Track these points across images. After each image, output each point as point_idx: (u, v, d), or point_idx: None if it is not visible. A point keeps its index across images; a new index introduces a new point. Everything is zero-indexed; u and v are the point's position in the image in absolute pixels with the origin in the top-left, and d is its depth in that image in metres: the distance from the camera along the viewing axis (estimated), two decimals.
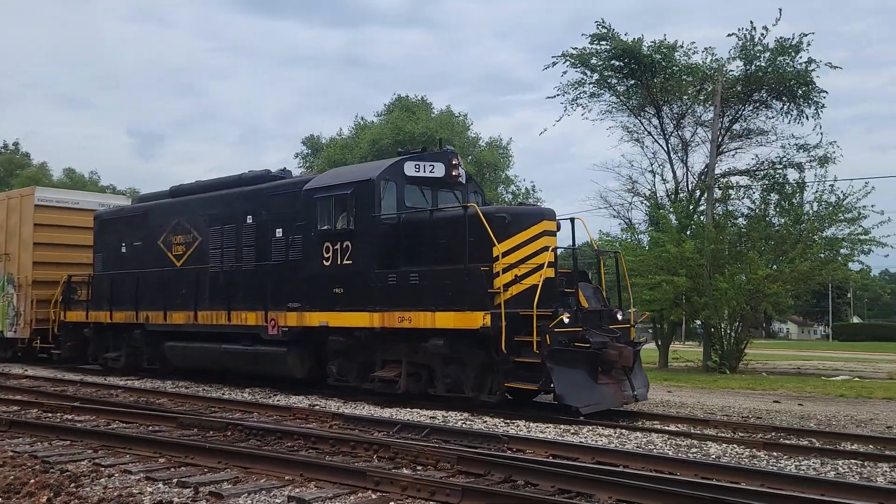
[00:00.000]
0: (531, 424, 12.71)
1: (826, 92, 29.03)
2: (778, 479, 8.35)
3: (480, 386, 14.49)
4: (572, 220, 15.62)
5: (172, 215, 20.36)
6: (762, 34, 28.56)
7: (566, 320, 13.50)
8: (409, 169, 15.93)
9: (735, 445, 10.88)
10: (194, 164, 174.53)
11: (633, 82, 31.05)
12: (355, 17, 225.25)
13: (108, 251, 22.35)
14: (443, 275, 14.38)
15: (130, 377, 20.58)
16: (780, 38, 28.72)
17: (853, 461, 9.80)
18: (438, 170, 16.14)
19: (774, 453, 10.39)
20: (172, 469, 8.96)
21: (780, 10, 28.53)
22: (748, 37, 28.90)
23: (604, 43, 30.20)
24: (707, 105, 30.57)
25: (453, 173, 16.36)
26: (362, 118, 66.54)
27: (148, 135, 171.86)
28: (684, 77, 30.15)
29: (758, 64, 28.97)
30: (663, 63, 30.07)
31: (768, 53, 28.82)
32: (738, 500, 7.00)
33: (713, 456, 10.25)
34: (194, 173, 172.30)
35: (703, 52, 30.45)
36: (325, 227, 16.18)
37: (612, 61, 30.57)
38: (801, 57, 28.53)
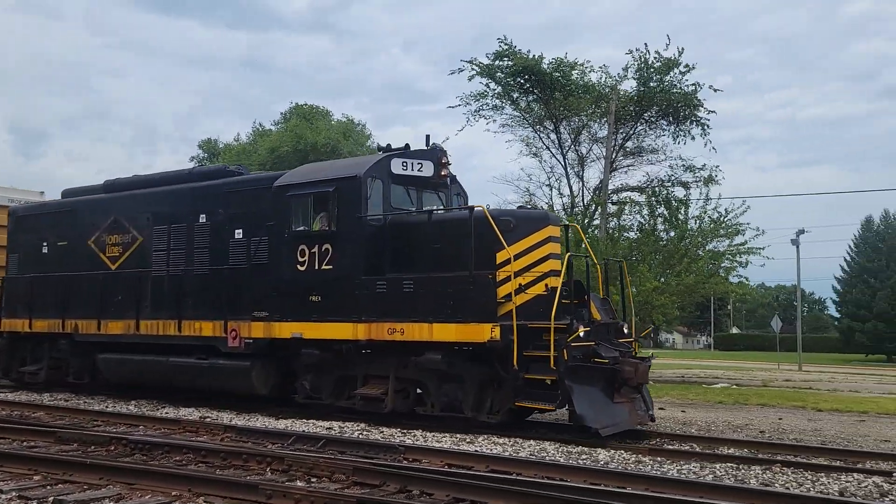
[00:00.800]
0: (428, 434, 12.41)
1: (714, 112, 29.82)
2: (661, 482, 8.74)
3: (479, 405, 13.02)
4: (566, 226, 14.37)
5: (107, 213, 18.02)
6: (655, 57, 29.15)
7: (582, 334, 12.17)
8: (397, 166, 14.33)
9: (623, 451, 11.15)
10: (83, 165, 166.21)
11: (532, 97, 31.21)
12: (258, 19, 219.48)
13: (26, 251, 19.62)
14: (443, 282, 12.85)
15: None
16: (667, 58, 29.25)
17: (729, 464, 10.32)
18: (427, 168, 14.59)
19: (658, 458, 10.79)
20: (49, 487, 8.36)
21: (668, 36, 30.96)
22: (642, 58, 29.41)
23: (506, 59, 30.13)
24: (602, 122, 30.92)
25: (442, 172, 14.86)
26: (260, 124, 64.28)
27: (31, 132, 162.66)
28: (582, 94, 30.30)
29: (650, 85, 29.59)
30: (562, 80, 30.19)
31: (655, 74, 29.46)
32: None
33: (602, 462, 10.47)
34: (84, 174, 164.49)
35: (598, 70, 30.95)
36: (301, 228, 14.39)
37: (515, 77, 30.50)
38: (686, 79, 29.36)
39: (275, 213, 14.79)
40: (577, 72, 30.66)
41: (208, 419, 13.77)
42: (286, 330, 14.44)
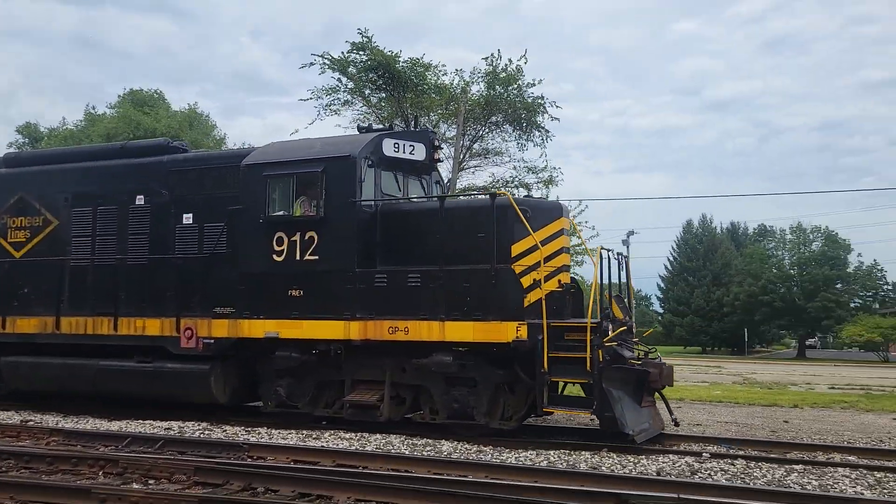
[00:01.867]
0: (273, 431, 11.95)
1: (558, 119, 30.19)
2: (500, 469, 8.93)
3: (492, 410, 11.60)
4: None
5: (10, 191, 15.09)
6: (506, 64, 29.04)
7: (611, 334, 11.00)
8: (388, 148, 12.61)
9: (465, 443, 11.02)
10: None
11: (385, 95, 30.32)
12: None
13: None
14: (458, 276, 11.34)
15: None
16: (512, 69, 29.21)
17: (562, 451, 10.54)
18: (419, 151, 12.94)
19: (499, 448, 10.79)
20: None
21: (526, 50, 30.80)
22: (494, 64, 29.28)
23: (363, 53, 29.10)
24: (451, 123, 30.59)
25: (436, 157, 13.30)
26: (94, 108, 59.08)
27: None
28: (434, 95, 29.83)
29: (497, 90, 29.51)
30: (415, 80, 29.58)
31: (501, 84, 29.43)
32: (466, 492, 7.45)
33: (445, 453, 10.45)
34: None
35: (452, 73, 30.52)
36: (279, 213, 12.43)
37: (368, 73, 29.54)
38: (531, 91, 29.47)
39: (244, 195, 12.71)
40: (431, 73, 30.13)
41: (31, 422, 12.58)
42: (257, 328, 12.42)
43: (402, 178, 13.11)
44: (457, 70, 31.84)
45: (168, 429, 12.02)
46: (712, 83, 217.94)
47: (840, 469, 9.48)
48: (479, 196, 12.26)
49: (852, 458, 10.50)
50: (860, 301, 71.08)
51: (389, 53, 28.80)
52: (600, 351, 10.77)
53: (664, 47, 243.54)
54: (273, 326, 12.30)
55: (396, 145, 12.68)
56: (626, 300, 12.34)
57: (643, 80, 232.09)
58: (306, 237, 12.16)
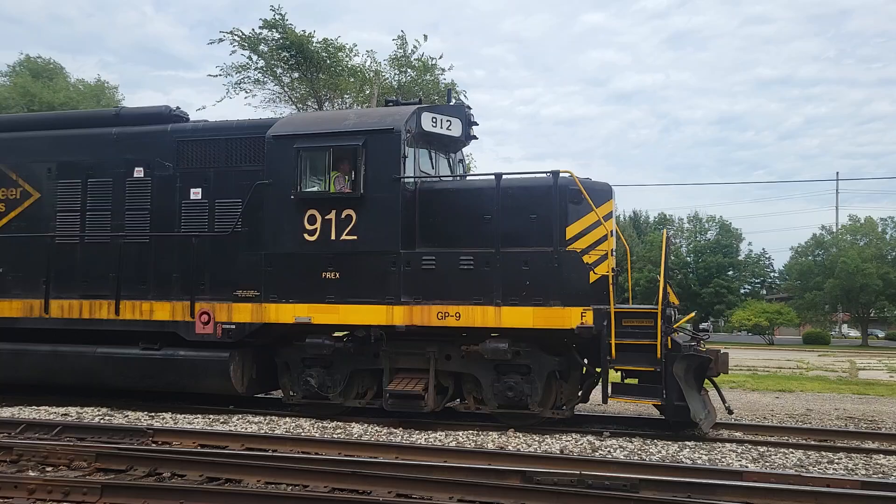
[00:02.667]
0: (178, 416, 11.61)
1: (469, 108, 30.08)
2: (410, 450, 8.94)
3: (545, 399, 10.93)
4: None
5: None
6: (414, 48, 28.93)
7: (682, 320, 10.51)
8: (426, 122, 11.70)
9: (375, 425, 10.96)
10: None
11: (297, 75, 29.64)
12: None
13: None
14: (516, 259, 10.59)
15: None
16: (425, 58, 29.34)
17: (469, 432, 10.59)
18: (455, 127, 12.07)
19: (409, 430, 10.73)
20: None
21: (426, 35, 30.26)
22: (402, 47, 29.18)
23: (275, 31, 28.25)
24: (365, 106, 30.02)
25: (471, 133, 12.44)
26: None
27: None
28: (348, 77, 29.49)
29: (410, 75, 29.54)
30: (328, 61, 29.05)
31: (413, 72, 29.48)
32: (375, 473, 7.40)
33: (356, 435, 10.37)
34: None
35: (365, 55, 30.98)
36: (312, 189, 11.36)
37: (281, 52, 28.68)
38: (445, 78, 29.70)
39: (270, 169, 11.56)
40: (343, 54, 29.61)
41: None
42: (286, 313, 11.33)
43: (433, 154, 12.24)
44: (368, 51, 31.28)
45: (65, 415, 11.47)
46: (619, 75, 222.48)
47: (728, 444, 9.99)
48: (534, 175, 11.32)
49: (738, 434, 11.03)
50: (749, 287, 73.72)
51: (302, 33, 27.88)
52: (669, 338, 10.26)
53: (574, 38, 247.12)
54: (304, 311, 11.24)
55: (434, 120, 11.79)
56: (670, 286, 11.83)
57: (553, 69, 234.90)
58: (343, 215, 11.15)
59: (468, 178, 11.83)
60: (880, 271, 56.87)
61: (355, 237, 11.09)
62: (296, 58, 28.30)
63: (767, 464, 8.84)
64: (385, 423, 10.94)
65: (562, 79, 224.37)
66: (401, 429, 10.74)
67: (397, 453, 8.77)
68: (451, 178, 12.06)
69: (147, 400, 12.72)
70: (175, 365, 11.77)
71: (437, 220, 11.24)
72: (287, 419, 11.17)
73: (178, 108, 13.13)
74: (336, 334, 11.65)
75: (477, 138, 12.51)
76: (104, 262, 12.45)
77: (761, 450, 9.61)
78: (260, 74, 29.26)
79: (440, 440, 10.05)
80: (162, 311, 11.98)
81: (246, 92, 29.36)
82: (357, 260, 11.07)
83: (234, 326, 11.59)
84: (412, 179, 11.32)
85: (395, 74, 29.51)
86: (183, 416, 11.53)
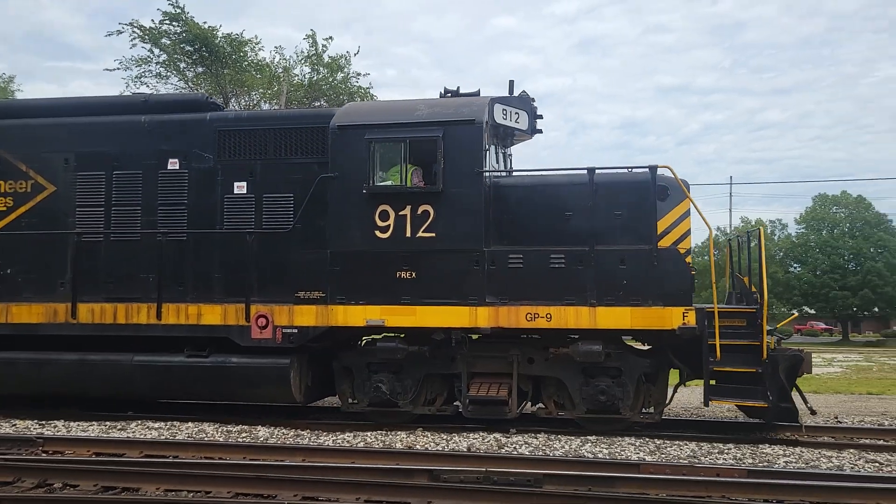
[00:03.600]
0: (71, 424, 10.78)
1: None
2: (318, 452, 8.66)
3: (634, 403, 10.27)
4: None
5: None
6: (324, 46, 28.11)
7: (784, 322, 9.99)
8: (498, 114, 10.89)
9: (282, 428, 10.52)
10: None
11: (202, 70, 28.07)
12: None
13: None
14: (612, 257, 9.87)
15: None
16: (339, 56, 28.58)
17: (379, 432, 10.21)
18: (523, 120, 11.29)
19: (316, 431, 10.38)
20: None
21: (332, 37, 30.98)
22: (312, 45, 28.25)
23: (175, 24, 26.72)
24: (274, 104, 29.08)
25: (537, 126, 11.65)
26: None
27: None
28: (255, 73, 28.27)
29: (322, 73, 28.67)
30: (234, 57, 27.76)
31: (325, 69, 28.63)
32: (280, 476, 7.14)
33: (262, 438, 9.93)
34: None
35: (273, 51, 29.50)
36: (386, 183, 10.37)
37: (184, 45, 27.21)
38: (356, 80, 28.93)
39: (336, 162, 10.51)
40: (249, 48, 28.31)
41: None
42: (356, 316, 10.32)
43: (497, 148, 11.41)
44: (276, 47, 30.12)
45: None
46: (530, 77, 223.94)
47: (627, 438, 9.89)
48: (626, 169, 10.61)
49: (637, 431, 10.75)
50: None
51: (205, 26, 26.44)
52: (773, 338, 9.74)
53: (485, 40, 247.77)
54: (377, 313, 10.26)
55: (505, 112, 10.99)
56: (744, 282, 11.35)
57: (466, 71, 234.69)
58: (419, 211, 10.21)
59: (548, 173, 10.96)
60: (769, 270, 58.70)
61: (433, 234, 10.17)
62: (199, 52, 26.77)
63: (663, 456, 8.87)
64: (292, 426, 10.52)
65: (474, 80, 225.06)
66: (308, 430, 10.32)
67: (304, 455, 8.47)
68: (526, 173, 11.22)
69: (39, 407, 11.57)
70: (227, 373, 10.59)
71: (516, 216, 10.41)
72: (189, 424, 10.54)
73: (211, 96, 11.89)
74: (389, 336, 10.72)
75: (541, 131, 11.72)
76: (135, 262, 11.17)
77: (657, 442, 9.52)
78: (162, 69, 27.45)
79: (348, 441, 9.68)
80: (212, 314, 10.77)
81: (147, 87, 27.36)
82: (436, 258, 10.16)
83: (296, 330, 10.50)
84: (495, 173, 10.48)
85: (306, 73, 28.51)
86: (77, 423, 10.68)
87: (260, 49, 28.31)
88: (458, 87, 11.36)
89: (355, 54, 27.98)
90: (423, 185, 10.35)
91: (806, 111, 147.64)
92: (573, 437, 9.82)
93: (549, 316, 9.91)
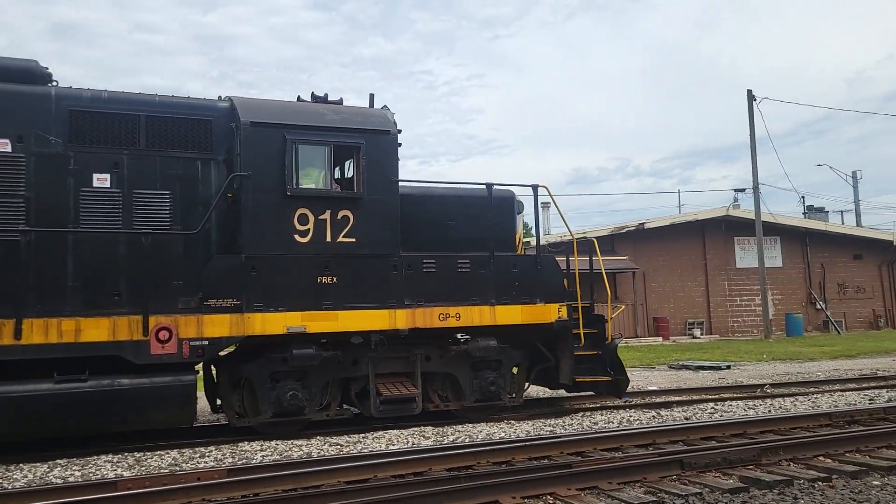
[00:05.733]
0: None
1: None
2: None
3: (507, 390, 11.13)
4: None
5: None
6: None
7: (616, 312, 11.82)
8: None
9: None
10: None
11: None
12: None
13: None
14: (507, 262, 10.64)
15: None
16: None
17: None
18: None
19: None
20: None
21: None
22: None
23: None
24: None
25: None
26: None
27: None
28: None
29: None
30: None
31: None
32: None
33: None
34: None
35: None
36: (308, 187, 9.47)
37: None
38: None
39: (249, 160, 9.26)
40: None
41: None
42: (276, 323, 9.29)
43: None
44: None
45: None
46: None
47: (103, 456, 8.72)
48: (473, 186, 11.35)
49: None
50: None
51: None
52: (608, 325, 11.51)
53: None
54: (297, 320, 9.39)
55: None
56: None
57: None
58: (339, 216, 9.64)
59: (478, 184, 11.06)
60: None
61: (354, 239, 9.70)
62: None
63: (143, 469, 7.96)
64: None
65: None
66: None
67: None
68: (431, 184, 11.13)
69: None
70: (115, 397, 8.57)
71: (441, 224, 10.78)
72: None
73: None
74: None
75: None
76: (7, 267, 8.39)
77: (137, 455, 8.60)
78: None
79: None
80: (95, 329, 8.58)
81: None
82: (357, 263, 9.71)
83: (206, 342, 9.00)
84: (413, 182, 10.55)
85: None
86: None
87: None
88: (326, 94, 10.79)
89: None
90: (338, 189, 9.78)
91: None
92: (38, 464, 8.18)
93: (458, 315, 10.26)
